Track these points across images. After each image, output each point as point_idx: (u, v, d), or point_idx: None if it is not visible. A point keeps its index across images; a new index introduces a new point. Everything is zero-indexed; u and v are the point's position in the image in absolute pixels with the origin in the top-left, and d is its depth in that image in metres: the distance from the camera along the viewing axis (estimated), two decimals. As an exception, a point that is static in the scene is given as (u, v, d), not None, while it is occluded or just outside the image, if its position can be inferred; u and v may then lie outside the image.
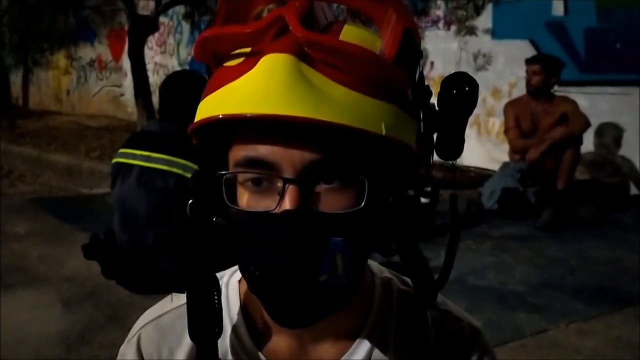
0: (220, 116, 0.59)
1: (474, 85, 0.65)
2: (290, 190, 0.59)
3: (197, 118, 0.63)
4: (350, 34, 0.62)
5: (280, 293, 0.61)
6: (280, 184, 0.60)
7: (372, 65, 0.59)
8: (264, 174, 0.61)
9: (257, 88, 0.57)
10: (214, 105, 0.61)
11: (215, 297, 0.69)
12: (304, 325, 0.64)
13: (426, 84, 0.66)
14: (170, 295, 0.77)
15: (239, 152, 0.62)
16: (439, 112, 0.65)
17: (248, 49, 0.61)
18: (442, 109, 0.65)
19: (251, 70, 0.59)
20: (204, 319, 0.68)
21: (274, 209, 0.60)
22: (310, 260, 0.59)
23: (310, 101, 0.56)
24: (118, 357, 0.78)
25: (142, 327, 0.77)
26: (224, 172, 0.64)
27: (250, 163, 0.61)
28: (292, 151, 0.59)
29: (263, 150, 0.60)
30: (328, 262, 0.59)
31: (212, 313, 0.68)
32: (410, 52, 0.61)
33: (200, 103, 0.63)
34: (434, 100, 0.67)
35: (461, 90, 0.65)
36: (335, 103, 0.57)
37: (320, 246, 0.59)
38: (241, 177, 0.63)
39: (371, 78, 0.59)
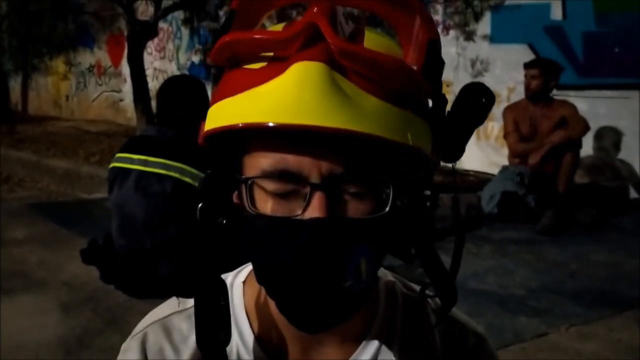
0: (254, 123, 0.58)
1: (490, 97, 0.66)
2: (318, 196, 0.59)
3: (213, 121, 0.62)
4: (373, 41, 0.63)
5: (304, 298, 0.62)
6: (305, 190, 0.60)
7: (404, 77, 0.59)
8: (293, 184, 0.60)
9: (290, 96, 0.57)
10: (237, 109, 0.60)
11: (223, 303, 0.68)
12: (323, 330, 0.65)
13: (443, 92, 0.67)
14: (176, 298, 0.77)
15: (262, 159, 0.62)
16: (451, 119, 0.66)
17: (271, 53, 0.60)
18: (455, 116, 0.66)
19: (281, 77, 0.58)
20: (211, 326, 0.67)
21: (299, 215, 0.60)
22: (336, 266, 0.59)
23: (345, 112, 0.56)
24: (121, 352, 0.77)
25: (149, 325, 0.77)
26: (249, 177, 0.63)
27: (277, 173, 0.61)
28: (319, 161, 0.59)
29: (290, 160, 0.60)
30: (353, 267, 0.60)
31: (220, 320, 0.68)
32: (436, 63, 0.62)
33: (216, 105, 0.62)
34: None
35: (478, 101, 0.66)
36: (367, 113, 0.57)
37: (347, 252, 0.59)
38: (266, 184, 0.62)
39: (399, 88, 0.60)
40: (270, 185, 0.61)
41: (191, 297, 0.69)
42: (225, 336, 0.68)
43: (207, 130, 0.63)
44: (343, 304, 0.63)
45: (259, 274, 0.65)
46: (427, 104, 0.64)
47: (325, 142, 0.58)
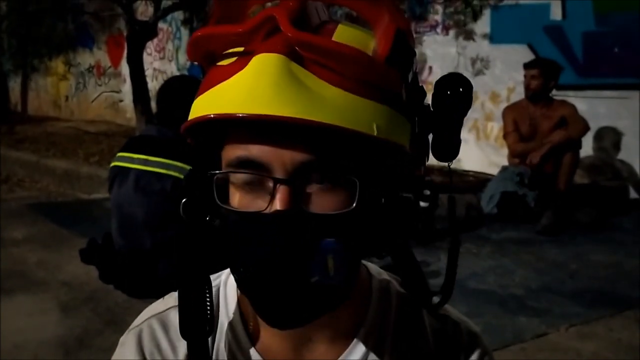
0: (212, 116, 0.59)
1: (467, 86, 0.65)
2: (281, 190, 0.59)
3: (190, 118, 0.63)
4: (344, 34, 0.62)
5: (271, 294, 0.61)
6: (271, 184, 0.60)
7: (364, 66, 0.59)
8: (255, 174, 0.61)
9: (247, 88, 0.57)
10: (206, 104, 0.61)
11: (207, 296, 0.68)
12: (294, 326, 0.64)
13: (420, 85, 0.66)
14: (173, 292, 0.77)
15: (231, 152, 0.62)
16: (434, 113, 0.65)
17: (241, 49, 0.61)
18: (436, 110, 0.65)
19: (242, 70, 0.59)
20: (194, 317, 0.68)
21: (265, 210, 0.60)
22: (301, 261, 0.59)
23: (301, 101, 0.56)
24: (118, 346, 0.78)
25: (146, 319, 0.77)
26: (214, 172, 0.64)
27: (242, 163, 0.61)
28: (282, 151, 0.59)
29: (254, 151, 0.60)
30: (319, 263, 0.59)
31: (203, 311, 0.68)
32: (403, 52, 0.61)
33: (194, 103, 0.63)
34: (428, 101, 0.67)
35: (455, 91, 0.65)
36: (327, 103, 0.57)
37: (312, 247, 0.59)
38: (233, 177, 0.63)
39: (363, 78, 0.59)
40: (237, 179, 0.62)
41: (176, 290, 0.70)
42: (209, 327, 0.68)
43: (182, 127, 0.64)
44: (313, 300, 0.62)
45: (231, 268, 0.65)
46: (402, 96, 0.63)
47: (287, 133, 0.58)
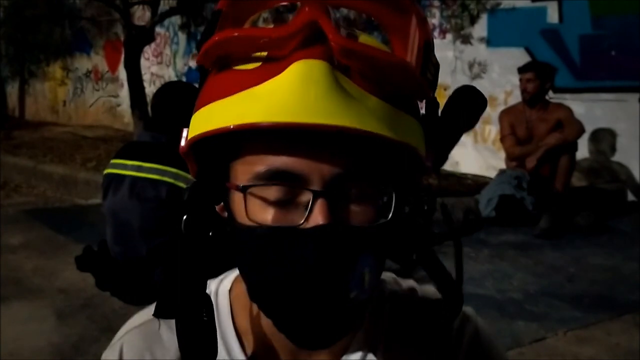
0: (265, 124, 0.54)
1: (482, 101, 0.66)
2: (320, 203, 0.57)
3: (200, 125, 0.59)
4: (368, 42, 0.60)
5: (308, 313, 0.58)
6: (306, 198, 0.57)
7: (406, 77, 0.58)
8: (292, 186, 0.58)
9: (294, 95, 0.54)
10: (230, 111, 0.56)
11: (207, 319, 0.63)
12: (327, 346, 0.62)
13: (434, 96, 0.65)
14: (152, 304, 0.73)
15: (257, 164, 0.58)
16: (443, 123, 0.65)
17: (264, 54, 0.58)
18: (446, 120, 0.65)
19: (280, 75, 0.55)
20: (196, 343, 0.63)
21: (302, 224, 0.57)
22: (342, 277, 0.57)
23: (350, 111, 0.54)
24: None
25: (127, 332, 0.73)
26: (246, 185, 0.59)
27: (275, 176, 0.58)
28: (321, 162, 0.57)
29: (289, 162, 0.57)
30: (357, 277, 0.58)
31: (205, 337, 0.63)
32: (431, 65, 0.61)
33: (202, 109, 0.59)
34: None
35: (470, 104, 0.64)
36: (371, 113, 0.56)
37: (352, 262, 0.57)
38: (261, 190, 0.59)
39: (399, 89, 0.58)
40: (267, 193, 0.58)
41: (172, 315, 0.64)
42: (212, 353, 0.64)
43: (195, 136, 0.59)
44: (347, 316, 0.60)
45: (255, 291, 0.62)
46: (419, 106, 0.63)
47: (325, 143, 0.56)
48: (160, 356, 0.71)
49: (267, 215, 0.59)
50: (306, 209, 0.57)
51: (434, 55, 0.61)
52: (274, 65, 0.57)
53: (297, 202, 0.58)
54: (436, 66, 0.62)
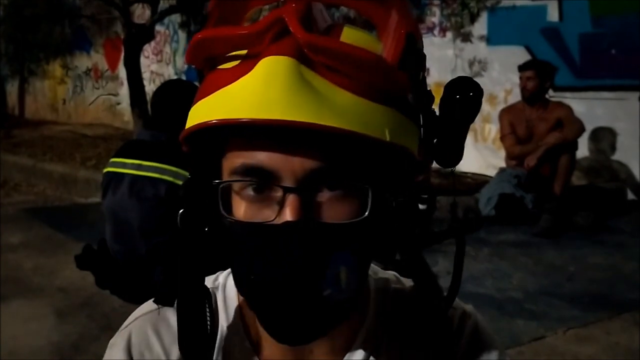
0: (214, 121, 0.56)
1: (478, 91, 0.63)
2: (291, 199, 0.57)
3: (189, 124, 0.60)
4: (350, 36, 0.60)
5: (280, 309, 0.59)
6: (279, 194, 0.58)
7: (376, 70, 0.57)
8: (263, 183, 0.58)
9: (256, 92, 0.55)
10: (207, 110, 0.58)
11: (208, 314, 0.66)
12: (304, 342, 0.62)
13: (429, 89, 0.64)
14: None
15: (235, 159, 0.60)
16: (440, 118, 0.63)
17: (244, 52, 0.59)
18: (443, 115, 0.63)
19: (249, 74, 0.56)
20: (195, 335, 0.65)
21: (274, 220, 0.58)
22: (313, 274, 0.57)
23: (313, 106, 0.54)
24: (107, 348, 0.75)
25: (136, 319, 0.74)
26: (220, 181, 0.61)
27: (248, 171, 0.58)
28: (292, 158, 0.57)
29: (262, 158, 0.57)
30: (332, 275, 0.57)
31: (204, 329, 0.65)
32: (414, 56, 0.60)
33: (192, 108, 0.61)
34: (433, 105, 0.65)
35: (465, 96, 0.63)
36: (338, 108, 0.55)
37: (324, 259, 0.57)
38: (238, 186, 0.60)
39: (375, 82, 0.57)
40: (242, 189, 0.60)
41: (171, 305, 0.68)
42: (210, 346, 0.66)
43: (182, 133, 0.61)
44: (324, 314, 0.60)
45: (237, 284, 0.63)
46: (410, 100, 0.61)
47: (297, 139, 0.56)
48: (168, 340, 0.72)
49: (241, 211, 0.60)
50: (279, 205, 0.58)
51: (418, 47, 0.60)
52: (248, 62, 0.58)
53: (271, 198, 0.59)
54: (420, 58, 0.61)
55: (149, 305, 0.75)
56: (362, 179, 0.59)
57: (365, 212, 0.59)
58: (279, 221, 0.57)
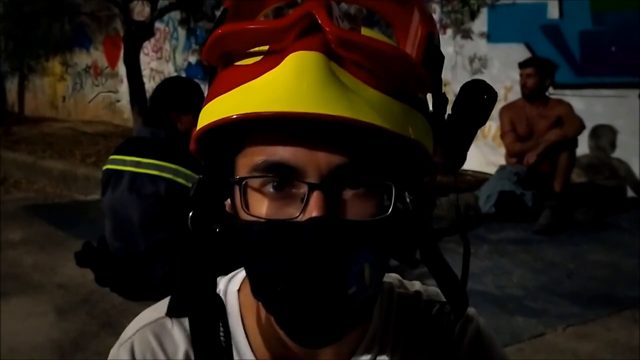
0: (237, 115, 0.55)
1: (492, 94, 0.63)
2: (316, 196, 0.56)
3: (202, 122, 0.59)
4: (370, 35, 0.59)
5: (305, 308, 0.57)
6: (302, 190, 0.57)
7: (405, 68, 0.57)
8: (287, 179, 0.57)
9: (287, 86, 0.54)
10: (227, 106, 0.57)
11: (222, 327, 0.63)
12: (326, 344, 0.60)
13: (443, 92, 0.64)
14: (162, 300, 0.72)
15: (256, 156, 0.58)
16: (452, 120, 0.63)
17: (265, 48, 0.58)
18: (456, 117, 0.63)
19: (277, 68, 0.55)
20: (211, 349, 0.63)
21: (298, 217, 0.56)
22: (338, 271, 0.56)
23: (344, 100, 0.54)
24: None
25: (138, 330, 0.71)
26: (241, 177, 0.59)
27: (271, 168, 0.57)
28: (317, 154, 0.56)
29: (285, 153, 0.56)
30: (357, 273, 0.56)
31: (219, 343, 0.63)
32: (435, 57, 0.60)
33: (208, 105, 0.59)
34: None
35: (478, 99, 0.63)
36: (367, 104, 0.55)
37: (349, 256, 0.56)
38: (258, 183, 0.59)
39: (398, 80, 0.57)
40: (264, 186, 0.58)
41: (183, 314, 0.65)
42: (225, 353, 0.64)
43: (198, 130, 0.60)
44: (347, 314, 0.58)
45: (255, 286, 0.61)
46: (426, 100, 0.61)
47: (323, 134, 0.55)
48: (171, 351, 0.70)
49: (263, 208, 0.58)
50: (303, 201, 0.57)
51: (438, 49, 0.60)
52: (272, 58, 0.57)
53: (294, 195, 0.58)
54: (440, 59, 0.61)
55: (149, 314, 0.73)
56: (386, 176, 0.59)
57: (389, 209, 0.59)
58: (302, 218, 0.56)
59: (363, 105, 0.54)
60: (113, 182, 2.85)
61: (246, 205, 0.59)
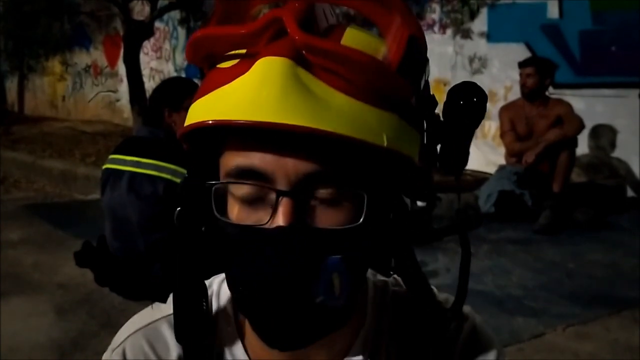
0: (210, 122, 0.55)
1: (482, 96, 0.62)
2: (284, 203, 0.56)
3: (187, 122, 0.60)
4: (352, 38, 0.59)
5: (271, 314, 0.58)
6: (273, 197, 0.56)
7: (374, 73, 0.55)
8: (256, 185, 0.57)
9: (250, 93, 0.54)
10: (204, 109, 0.57)
11: (204, 303, 0.65)
12: (295, 348, 0.61)
13: (432, 94, 0.63)
14: (151, 305, 0.74)
15: (230, 160, 0.59)
16: (444, 123, 0.62)
17: (243, 51, 0.58)
18: (447, 120, 0.62)
19: (245, 74, 0.55)
20: (190, 321, 0.65)
21: (266, 224, 0.57)
22: (305, 280, 0.56)
23: (307, 109, 0.53)
24: None
25: (129, 336, 0.72)
26: (212, 182, 0.60)
27: (242, 173, 0.57)
28: (286, 161, 0.55)
29: (256, 160, 0.56)
30: (325, 282, 0.56)
31: (199, 316, 0.65)
32: (416, 60, 0.58)
33: (192, 106, 0.60)
34: (436, 109, 0.64)
35: (469, 101, 0.62)
36: (334, 111, 0.54)
37: (317, 265, 0.56)
38: (231, 187, 0.59)
39: (373, 86, 0.56)
40: (236, 190, 0.59)
41: (167, 301, 0.67)
42: (206, 330, 0.66)
43: (180, 131, 0.61)
44: (317, 320, 0.58)
45: (229, 287, 0.62)
46: (412, 105, 0.60)
47: (292, 142, 0.55)
48: (164, 355, 0.71)
49: (234, 212, 0.59)
50: (272, 208, 0.57)
51: (421, 50, 0.59)
52: (245, 62, 0.57)
53: (265, 201, 0.58)
54: (422, 61, 0.60)
55: (141, 319, 0.74)
56: (358, 184, 0.58)
57: (360, 218, 0.58)
58: (271, 225, 0.56)
59: (328, 113, 0.53)
60: (112, 181, 2.85)
61: (222, 208, 0.60)
